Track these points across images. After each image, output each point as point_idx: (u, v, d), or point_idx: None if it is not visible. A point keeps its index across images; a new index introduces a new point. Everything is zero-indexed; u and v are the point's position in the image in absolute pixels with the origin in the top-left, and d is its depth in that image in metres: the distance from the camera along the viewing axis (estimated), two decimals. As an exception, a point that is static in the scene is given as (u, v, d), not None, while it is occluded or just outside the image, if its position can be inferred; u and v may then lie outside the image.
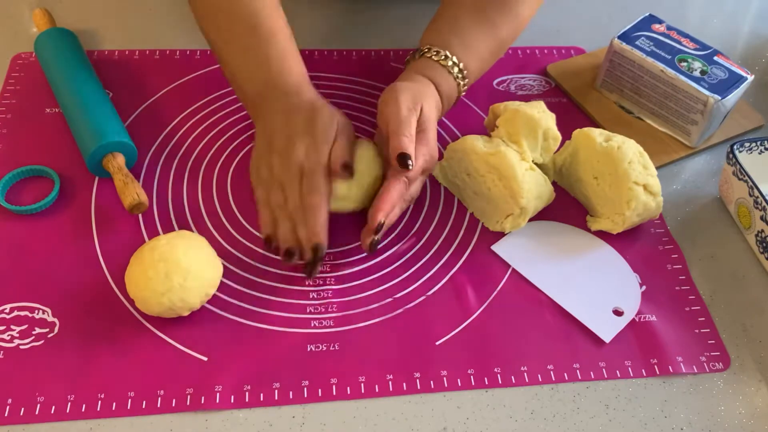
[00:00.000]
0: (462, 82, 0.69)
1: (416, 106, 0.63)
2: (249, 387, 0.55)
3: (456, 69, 0.67)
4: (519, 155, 0.65)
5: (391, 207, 0.61)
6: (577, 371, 0.58)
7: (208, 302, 0.60)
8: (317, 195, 0.59)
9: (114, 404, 0.53)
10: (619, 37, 0.76)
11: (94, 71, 0.74)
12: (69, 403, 0.53)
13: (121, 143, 0.66)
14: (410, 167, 0.60)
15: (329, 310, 0.60)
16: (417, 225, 0.67)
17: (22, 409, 0.53)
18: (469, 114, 0.78)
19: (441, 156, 0.70)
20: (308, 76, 0.66)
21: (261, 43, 0.64)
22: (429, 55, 0.68)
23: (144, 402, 0.54)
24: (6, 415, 0.52)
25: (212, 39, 0.67)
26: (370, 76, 0.80)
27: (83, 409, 0.53)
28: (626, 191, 0.64)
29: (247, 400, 0.55)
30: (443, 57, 0.67)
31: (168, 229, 0.65)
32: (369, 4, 0.90)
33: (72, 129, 0.69)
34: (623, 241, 0.67)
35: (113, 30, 0.83)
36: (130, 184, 0.63)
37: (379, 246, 0.64)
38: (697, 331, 0.61)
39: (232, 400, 0.54)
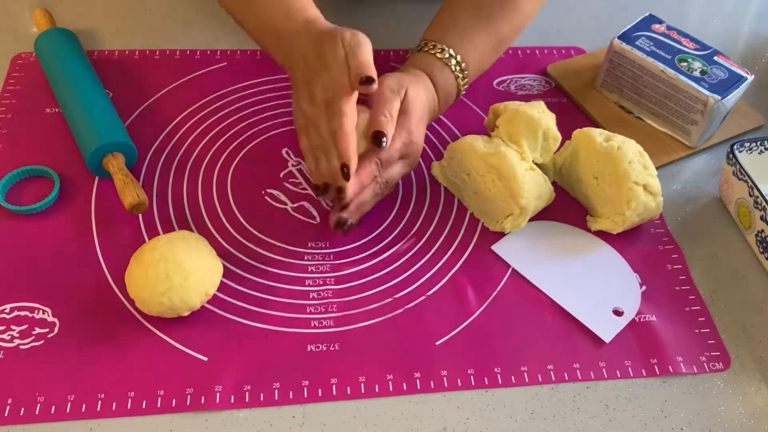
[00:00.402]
0: (461, 77, 0.69)
1: (401, 89, 0.63)
2: (249, 387, 0.55)
3: (454, 62, 0.68)
4: (519, 155, 0.65)
5: (359, 186, 0.61)
6: (577, 371, 0.58)
7: (208, 302, 0.60)
8: (338, 118, 0.59)
9: (114, 404, 0.53)
10: (619, 37, 0.76)
11: (95, 71, 0.74)
12: (69, 403, 0.53)
13: (121, 143, 0.66)
14: (383, 145, 0.60)
15: (329, 310, 0.60)
16: (417, 225, 0.67)
17: (22, 409, 0.53)
18: (469, 114, 0.78)
19: (441, 156, 0.70)
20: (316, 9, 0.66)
21: None
22: (427, 50, 0.68)
23: (144, 402, 0.54)
24: (6, 415, 0.52)
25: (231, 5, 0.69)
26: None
27: (83, 409, 0.53)
28: (626, 191, 0.64)
29: (247, 400, 0.55)
30: (440, 50, 0.68)
31: (168, 229, 0.65)
32: (369, 4, 0.90)
33: (72, 129, 0.69)
34: (623, 241, 0.67)
35: (113, 30, 0.83)
36: (130, 184, 0.63)
37: (350, 227, 0.63)
38: (697, 331, 0.61)
39: (232, 400, 0.54)
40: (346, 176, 0.59)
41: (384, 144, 0.60)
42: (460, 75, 0.68)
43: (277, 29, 0.64)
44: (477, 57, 0.70)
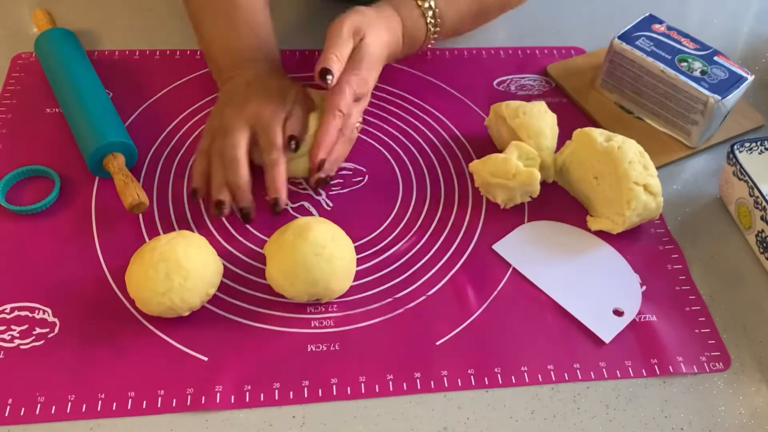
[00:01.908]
0: (432, 29, 0.70)
1: (359, 32, 0.64)
2: (249, 387, 0.55)
3: (430, 12, 0.69)
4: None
5: (329, 143, 0.64)
6: (578, 371, 0.58)
7: (208, 302, 0.60)
8: (276, 151, 0.63)
9: (114, 404, 0.53)
10: (619, 37, 0.76)
11: (95, 71, 0.74)
12: (69, 403, 0.53)
13: (122, 143, 0.66)
14: (329, 82, 0.62)
15: (329, 310, 0.60)
16: (417, 225, 0.67)
17: (22, 409, 0.53)
18: (469, 114, 0.78)
19: (439, 155, 0.70)
20: (278, 49, 0.71)
21: (238, 14, 0.68)
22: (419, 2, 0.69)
23: (144, 402, 0.54)
24: (6, 415, 0.52)
25: (193, 12, 0.71)
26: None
27: (83, 409, 0.53)
28: (626, 191, 0.64)
29: (247, 400, 0.55)
30: (426, 6, 0.69)
31: (168, 229, 0.65)
32: (369, 4, 0.90)
33: (72, 129, 0.69)
34: (623, 241, 0.67)
35: (113, 30, 0.83)
36: (130, 184, 0.63)
37: (331, 182, 0.67)
38: (697, 331, 0.61)
39: (232, 400, 0.54)
40: (246, 218, 0.63)
41: (329, 80, 0.61)
42: (432, 25, 0.70)
43: (236, 50, 0.68)
44: (455, 14, 0.71)
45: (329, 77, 0.61)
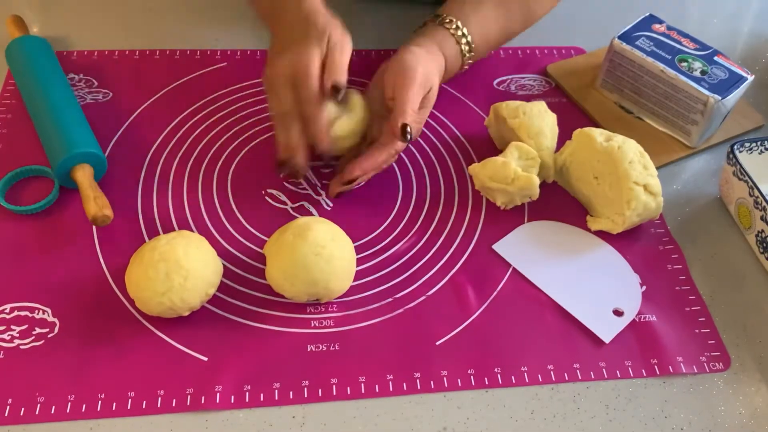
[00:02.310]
0: (468, 56, 0.72)
1: (427, 85, 0.66)
2: (249, 387, 0.55)
3: (464, 40, 0.71)
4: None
5: (372, 169, 0.66)
6: (578, 371, 0.58)
7: (208, 302, 0.60)
8: (310, 105, 0.62)
9: (114, 404, 0.53)
10: (619, 37, 0.76)
11: (67, 81, 0.73)
12: (69, 403, 0.53)
13: (90, 154, 0.65)
14: (410, 139, 0.63)
15: (329, 310, 0.60)
16: (417, 225, 0.67)
17: (22, 409, 0.53)
18: (469, 114, 0.78)
19: (439, 156, 0.70)
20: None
21: None
22: (446, 25, 0.71)
23: (144, 402, 0.54)
24: (6, 415, 0.52)
25: None
26: (370, 76, 0.80)
27: (83, 409, 0.53)
28: (626, 191, 0.63)
29: (247, 400, 0.55)
30: (455, 27, 0.70)
31: (168, 229, 0.65)
32: (369, 4, 0.90)
33: (42, 140, 0.67)
34: (623, 241, 0.67)
35: (113, 30, 0.83)
36: (91, 198, 0.62)
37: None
38: (697, 331, 0.61)
39: (232, 400, 0.54)
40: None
41: (410, 138, 0.63)
42: (468, 52, 0.71)
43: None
44: (485, 45, 0.73)
45: (409, 135, 0.63)
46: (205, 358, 0.56)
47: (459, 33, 0.70)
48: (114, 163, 0.69)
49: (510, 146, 0.67)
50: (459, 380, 0.57)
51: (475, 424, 0.55)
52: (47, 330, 0.57)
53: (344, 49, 0.62)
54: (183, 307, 0.56)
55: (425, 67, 0.66)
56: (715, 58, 0.74)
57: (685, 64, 0.73)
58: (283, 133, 0.63)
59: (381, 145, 0.65)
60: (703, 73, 0.72)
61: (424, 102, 0.66)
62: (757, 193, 0.65)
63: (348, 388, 0.56)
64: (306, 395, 0.55)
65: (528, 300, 0.62)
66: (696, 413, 0.56)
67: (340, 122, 0.64)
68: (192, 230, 0.65)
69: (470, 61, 0.73)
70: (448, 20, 0.71)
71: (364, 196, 0.69)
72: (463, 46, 0.71)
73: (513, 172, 0.65)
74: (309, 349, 0.58)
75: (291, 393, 0.55)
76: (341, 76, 0.61)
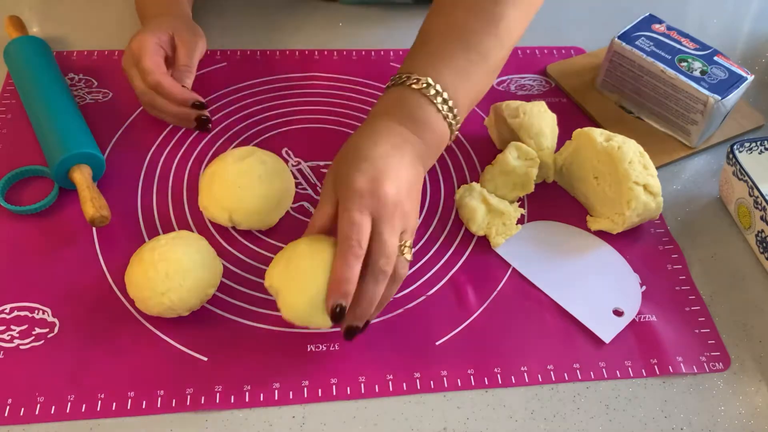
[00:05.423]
0: (453, 122, 0.58)
1: (363, 220, 0.51)
2: (249, 387, 0.55)
3: (445, 107, 0.56)
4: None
5: (345, 280, 0.50)
6: (577, 371, 0.58)
7: (208, 302, 0.60)
8: (150, 75, 0.68)
9: (114, 404, 0.53)
10: (619, 37, 0.76)
11: (65, 81, 0.73)
12: (69, 403, 0.53)
13: (88, 154, 0.65)
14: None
15: (329, 310, 0.60)
16: (417, 225, 0.67)
17: (22, 409, 0.53)
18: (469, 114, 0.77)
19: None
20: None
21: None
22: (417, 87, 0.56)
23: (144, 402, 0.54)
24: (6, 415, 0.52)
25: None
26: (370, 76, 0.80)
27: (83, 409, 0.53)
28: (626, 191, 0.64)
29: (247, 400, 0.55)
30: (432, 92, 0.56)
31: (168, 229, 0.65)
32: (369, 4, 0.90)
33: (39, 141, 0.67)
34: (623, 241, 0.67)
35: (113, 30, 0.83)
36: (89, 199, 0.62)
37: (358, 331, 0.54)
38: (697, 331, 0.61)
39: (232, 400, 0.54)
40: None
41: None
42: (452, 119, 0.57)
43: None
44: (468, 96, 0.58)
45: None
46: (205, 358, 0.56)
47: (438, 99, 0.56)
48: (114, 163, 0.69)
49: (510, 146, 0.67)
50: (459, 380, 0.57)
51: (475, 424, 0.55)
52: (47, 330, 0.57)
53: (191, 50, 0.71)
54: (183, 307, 0.56)
55: (368, 172, 0.52)
56: (715, 58, 0.74)
57: (685, 64, 0.73)
58: (153, 111, 0.70)
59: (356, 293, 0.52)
60: (702, 73, 0.72)
61: (377, 231, 0.51)
62: (757, 193, 0.65)
63: (348, 388, 0.56)
64: (306, 395, 0.55)
65: (528, 300, 0.62)
66: (696, 413, 0.56)
67: (254, 189, 0.61)
68: (192, 230, 0.65)
69: (458, 126, 0.59)
70: (410, 79, 0.56)
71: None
72: (444, 112, 0.56)
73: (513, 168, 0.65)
74: (309, 349, 0.58)
75: (291, 393, 0.55)
76: (187, 75, 0.70)
